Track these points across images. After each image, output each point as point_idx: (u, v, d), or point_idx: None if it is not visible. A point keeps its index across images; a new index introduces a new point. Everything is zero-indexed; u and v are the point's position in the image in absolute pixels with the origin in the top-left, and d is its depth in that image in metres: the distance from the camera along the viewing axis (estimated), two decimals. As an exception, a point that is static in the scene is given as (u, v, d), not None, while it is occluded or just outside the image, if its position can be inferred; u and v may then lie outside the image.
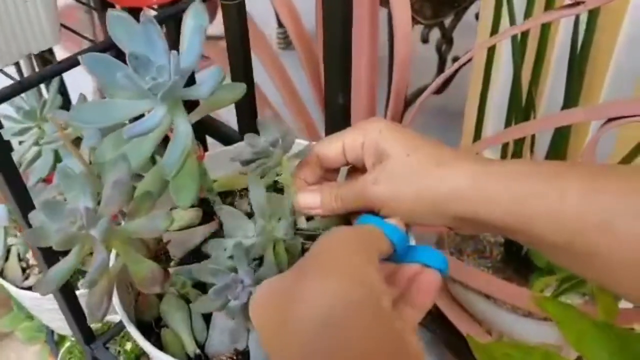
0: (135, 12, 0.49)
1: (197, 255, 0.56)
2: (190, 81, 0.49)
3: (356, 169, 0.50)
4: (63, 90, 0.92)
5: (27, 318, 1.11)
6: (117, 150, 0.48)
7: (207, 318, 0.52)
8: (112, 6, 0.63)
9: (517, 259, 1.07)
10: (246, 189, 0.62)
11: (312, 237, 0.57)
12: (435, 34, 1.51)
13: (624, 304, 0.92)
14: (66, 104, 0.75)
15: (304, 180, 0.51)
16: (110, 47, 0.59)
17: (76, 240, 0.40)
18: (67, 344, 0.97)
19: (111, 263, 0.48)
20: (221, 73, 0.45)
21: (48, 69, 0.52)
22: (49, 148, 0.70)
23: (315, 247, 0.38)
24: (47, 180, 0.70)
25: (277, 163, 0.52)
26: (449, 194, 0.42)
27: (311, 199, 0.50)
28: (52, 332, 1.05)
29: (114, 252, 0.49)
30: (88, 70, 0.45)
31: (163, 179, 0.48)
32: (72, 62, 0.52)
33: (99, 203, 0.42)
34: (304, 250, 0.57)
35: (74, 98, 0.77)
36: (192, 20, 0.48)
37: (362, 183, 0.46)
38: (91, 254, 0.41)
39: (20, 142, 0.72)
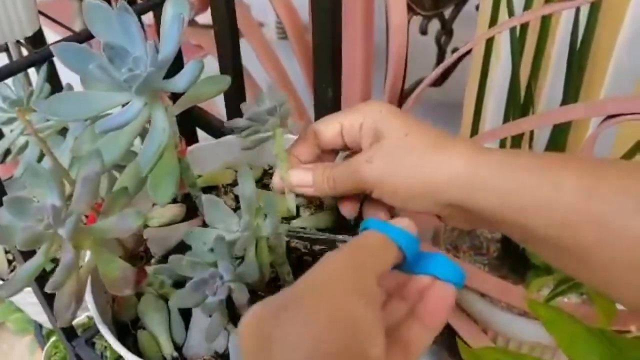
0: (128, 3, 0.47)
1: (178, 253, 0.54)
2: (178, 72, 0.47)
3: (354, 154, 0.49)
4: (55, 79, 0.90)
5: (18, 309, 1.10)
6: (94, 144, 0.47)
7: (186, 319, 0.50)
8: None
9: (514, 256, 1.06)
10: (231, 185, 0.61)
11: (301, 238, 0.54)
12: (434, 26, 1.48)
13: (620, 305, 0.90)
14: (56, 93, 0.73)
15: (298, 159, 0.50)
16: (92, 37, 0.57)
17: (43, 239, 0.38)
18: (53, 338, 0.95)
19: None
20: (200, 66, 0.43)
21: (20, 60, 0.50)
22: (34, 139, 0.68)
23: (309, 276, 0.35)
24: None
25: (272, 130, 0.49)
26: (445, 178, 0.41)
27: (304, 176, 0.48)
28: (40, 326, 1.04)
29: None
30: (61, 61, 0.43)
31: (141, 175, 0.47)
32: (46, 54, 0.50)
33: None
34: (289, 248, 0.55)
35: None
36: (172, 9, 0.46)
37: (356, 162, 0.45)
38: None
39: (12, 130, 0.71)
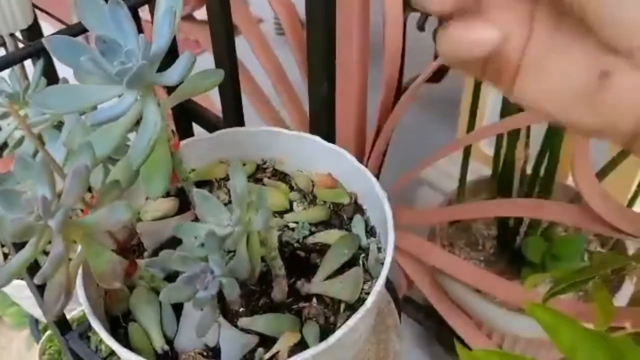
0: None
1: (170, 247, 0.54)
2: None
3: None
4: (53, 74, 0.90)
5: (15, 303, 1.10)
6: (86, 137, 0.47)
7: (178, 312, 0.50)
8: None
9: (510, 252, 1.06)
10: (224, 179, 0.60)
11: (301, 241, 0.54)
12: (432, 22, 1.48)
13: (617, 303, 0.90)
14: (51, 86, 0.73)
15: None
16: (86, 31, 0.57)
17: (32, 231, 0.38)
18: (48, 332, 0.95)
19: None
20: (191, 59, 0.43)
21: (14, 52, 0.50)
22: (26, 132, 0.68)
23: None
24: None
25: None
26: None
27: None
28: (37, 320, 1.04)
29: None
30: (52, 54, 0.43)
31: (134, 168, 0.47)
32: (39, 47, 0.50)
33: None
34: (281, 243, 0.55)
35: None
36: (165, 2, 0.46)
37: None
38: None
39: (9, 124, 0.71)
